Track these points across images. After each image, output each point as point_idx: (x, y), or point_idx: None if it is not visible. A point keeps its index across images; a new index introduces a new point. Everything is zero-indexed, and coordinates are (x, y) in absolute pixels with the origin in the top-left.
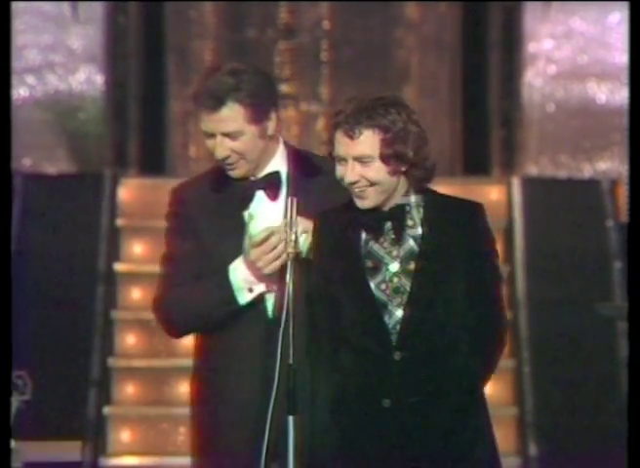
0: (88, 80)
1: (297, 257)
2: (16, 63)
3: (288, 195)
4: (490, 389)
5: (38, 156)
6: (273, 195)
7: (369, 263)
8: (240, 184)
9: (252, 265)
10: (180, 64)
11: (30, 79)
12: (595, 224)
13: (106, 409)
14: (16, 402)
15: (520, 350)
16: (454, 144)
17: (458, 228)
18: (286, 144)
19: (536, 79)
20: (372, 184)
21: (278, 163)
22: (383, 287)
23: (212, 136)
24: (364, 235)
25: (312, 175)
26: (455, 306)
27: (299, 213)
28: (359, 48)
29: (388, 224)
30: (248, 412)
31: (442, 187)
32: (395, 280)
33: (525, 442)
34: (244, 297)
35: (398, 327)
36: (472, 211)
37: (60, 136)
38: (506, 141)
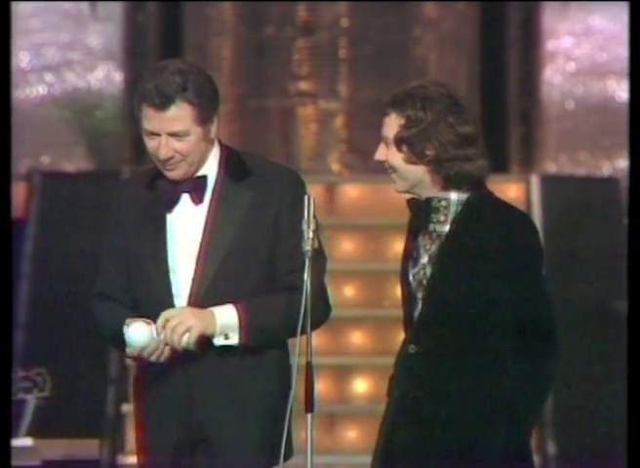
0: (106, 78)
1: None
2: (34, 61)
3: (212, 200)
4: None
5: (57, 154)
6: (198, 199)
7: (414, 254)
8: (168, 187)
9: None
10: (199, 62)
11: (49, 77)
12: (614, 222)
13: (125, 407)
14: (34, 399)
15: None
16: None
17: (491, 234)
18: (222, 146)
19: (555, 77)
20: (391, 168)
21: (210, 166)
22: (416, 278)
23: (156, 135)
24: (413, 228)
25: (241, 179)
26: (477, 309)
27: (221, 219)
28: (377, 46)
29: (422, 216)
30: (172, 411)
31: None
32: (421, 273)
33: (544, 440)
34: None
35: (417, 320)
36: (512, 221)
37: (78, 133)
38: (525, 139)
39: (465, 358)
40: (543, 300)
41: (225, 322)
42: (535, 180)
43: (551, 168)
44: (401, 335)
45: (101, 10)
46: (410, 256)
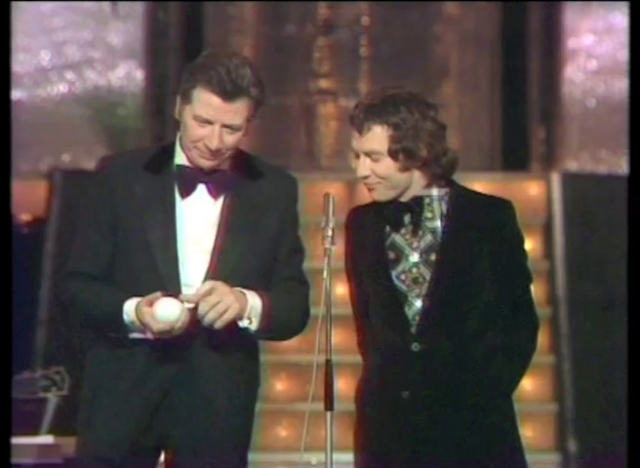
0: (127, 76)
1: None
2: (55, 60)
3: (227, 196)
4: (530, 386)
5: (77, 152)
6: (216, 192)
7: (391, 255)
8: (185, 173)
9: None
10: None
11: (70, 75)
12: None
13: None
14: (54, 397)
15: (560, 346)
16: (493, 140)
17: (483, 224)
18: None
19: (576, 74)
20: (381, 179)
21: (226, 162)
22: (403, 277)
23: (209, 123)
24: (388, 227)
25: (252, 179)
26: (477, 301)
27: (238, 217)
28: (398, 44)
29: (407, 216)
30: (146, 411)
31: (481, 182)
32: (414, 270)
33: (565, 438)
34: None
35: (417, 318)
36: (500, 208)
37: (99, 131)
38: (546, 137)
39: (469, 350)
40: (528, 279)
41: (254, 305)
42: (555, 178)
43: (572, 165)
44: None
45: (123, 8)
46: (382, 255)
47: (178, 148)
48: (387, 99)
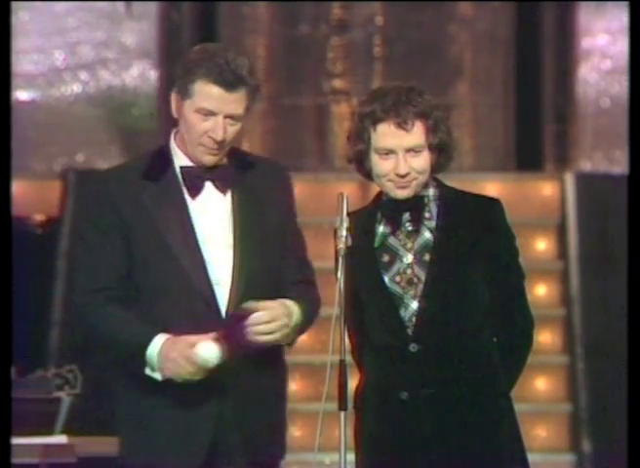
0: (141, 76)
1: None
2: (69, 60)
3: (233, 190)
4: (543, 386)
5: (91, 152)
6: (223, 187)
7: (385, 257)
8: (190, 173)
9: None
10: None
11: (83, 75)
12: None
13: None
14: (67, 396)
15: (574, 346)
16: (507, 140)
17: (475, 223)
18: None
19: (590, 74)
20: (419, 174)
21: (224, 158)
22: (398, 279)
23: (212, 115)
24: (381, 229)
25: (245, 170)
26: (472, 300)
27: (247, 208)
28: (412, 44)
29: (406, 215)
30: (201, 414)
31: (495, 183)
32: (409, 272)
33: (579, 439)
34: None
35: (414, 319)
36: (490, 207)
37: (113, 132)
38: (560, 137)
39: (466, 349)
40: (521, 277)
41: (294, 325)
42: (569, 179)
43: (586, 166)
44: None
45: (136, 8)
46: (373, 258)
47: (175, 150)
48: (409, 93)
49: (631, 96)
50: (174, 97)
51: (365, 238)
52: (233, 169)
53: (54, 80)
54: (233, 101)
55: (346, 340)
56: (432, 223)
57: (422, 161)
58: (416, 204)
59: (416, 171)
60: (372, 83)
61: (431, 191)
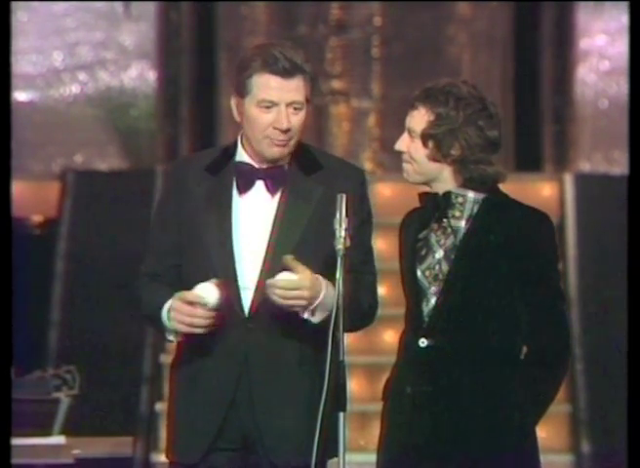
0: (140, 76)
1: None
2: (68, 61)
3: (283, 192)
4: None
5: (90, 153)
6: (274, 188)
7: (423, 250)
8: (243, 170)
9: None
10: (232, 61)
11: (82, 76)
12: None
13: (158, 406)
14: (65, 397)
15: (573, 347)
16: (506, 141)
17: (512, 232)
18: None
19: (588, 75)
20: (411, 160)
21: (286, 158)
22: (427, 273)
23: (274, 105)
24: (425, 224)
25: (311, 172)
26: (495, 308)
27: (292, 214)
28: (410, 44)
29: (444, 213)
30: (222, 411)
31: None
32: (437, 267)
33: (578, 439)
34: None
35: (430, 314)
36: (538, 222)
37: (111, 132)
38: (559, 138)
39: (477, 353)
40: (560, 300)
41: (323, 302)
42: (568, 179)
43: (585, 167)
44: None
45: (135, 9)
46: (413, 251)
47: (239, 147)
48: (445, 89)
49: (631, 96)
50: (233, 101)
51: (413, 231)
52: (294, 169)
53: (52, 81)
54: (293, 89)
55: (346, 340)
56: (459, 223)
57: (414, 147)
58: (441, 199)
59: (408, 153)
60: (370, 84)
61: (470, 193)
